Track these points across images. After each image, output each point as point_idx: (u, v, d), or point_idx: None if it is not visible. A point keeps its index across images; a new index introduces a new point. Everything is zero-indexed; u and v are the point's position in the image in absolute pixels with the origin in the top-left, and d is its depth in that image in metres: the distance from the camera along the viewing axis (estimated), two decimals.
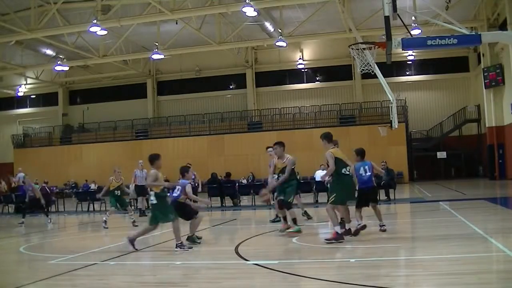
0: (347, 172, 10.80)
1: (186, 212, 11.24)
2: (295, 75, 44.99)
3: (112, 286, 7.76)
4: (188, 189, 11.26)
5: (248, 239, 11.85)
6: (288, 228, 12.08)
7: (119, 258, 9.87)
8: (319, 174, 22.32)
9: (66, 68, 37.75)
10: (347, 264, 8.48)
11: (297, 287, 7.27)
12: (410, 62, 43.32)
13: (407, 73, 43.73)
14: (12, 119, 48.43)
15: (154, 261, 9.78)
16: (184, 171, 11.66)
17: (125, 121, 44.18)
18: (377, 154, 33.12)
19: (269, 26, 34.99)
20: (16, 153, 43.51)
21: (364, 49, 17.01)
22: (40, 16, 29.88)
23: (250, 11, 27.39)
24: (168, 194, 11.27)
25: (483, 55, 35.46)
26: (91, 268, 9.07)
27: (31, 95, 48.43)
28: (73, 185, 35.92)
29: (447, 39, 12.43)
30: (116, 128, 43.79)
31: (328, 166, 10.91)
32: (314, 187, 22.53)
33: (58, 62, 35.11)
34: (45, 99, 48.41)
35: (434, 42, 12.51)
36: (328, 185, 12.13)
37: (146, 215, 19.66)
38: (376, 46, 14.30)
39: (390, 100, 22.49)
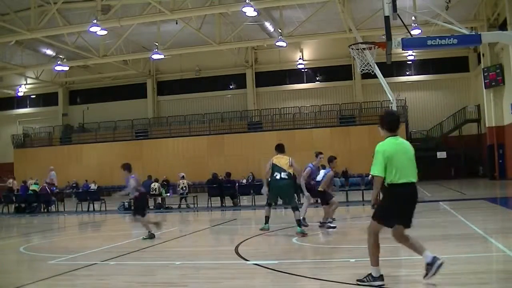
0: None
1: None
2: (295, 75, 45.00)
3: (112, 286, 7.76)
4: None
5: (248, 239, 11.85)
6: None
7: (119, 258, 9.87)
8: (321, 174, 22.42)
9: (66, 68, 37.77)
10: (347, 264, 8.48)
11: (297, 287, 7.27)
12: (410, 62, 43.33)
13: (407, 73, 43.75)
14: (12, 119, 48.43)
15: (154, 261, 9.78)
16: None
17: (125, 121, 44.20)
18: None
19: (269, 26, 35.00)
20: (16, 153, 43.50)
21: (364, 49, 17.03)
22: (40, 16, 29.89)
23: (250, 11, 27.40)
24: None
25: (483, 55, 35.46)
26: (91, 268, 9.07)
27: (31, 95, 48.43)
28: (74, 185, 35.88)
29: (447, 39, 12.45)
30: (116, 128, 43.80)
31: None
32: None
33: (58, 62, 35.09)
34: (45, 99, 48.42)
35: (434, 42, 12.53)
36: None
37: None
38: (376, 46, 14.32)
39: (390, 100, 22.51)
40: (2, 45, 32.74)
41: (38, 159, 40.40)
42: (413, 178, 6.66)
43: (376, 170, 6.59)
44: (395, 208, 6.63)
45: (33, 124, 46.64)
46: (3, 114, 48.88)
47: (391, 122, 6.83)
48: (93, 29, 27.75)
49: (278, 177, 12.23)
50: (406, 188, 6.59)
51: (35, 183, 28.98)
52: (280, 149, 12.73)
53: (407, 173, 6.61)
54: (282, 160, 12.36)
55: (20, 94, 46.48)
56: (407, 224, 6.70)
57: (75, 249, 11.38)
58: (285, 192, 12.41)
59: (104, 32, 29.24)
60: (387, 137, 6.77)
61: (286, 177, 12.22)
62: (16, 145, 44.39)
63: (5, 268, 9.95)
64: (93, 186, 34.23)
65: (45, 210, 26.01)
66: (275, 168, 12.30)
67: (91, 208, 25.08)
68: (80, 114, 46.18)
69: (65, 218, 22.72)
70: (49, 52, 36.59)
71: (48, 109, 47.69)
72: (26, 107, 49.23)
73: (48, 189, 27.72)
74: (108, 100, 46.28)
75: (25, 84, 46.27)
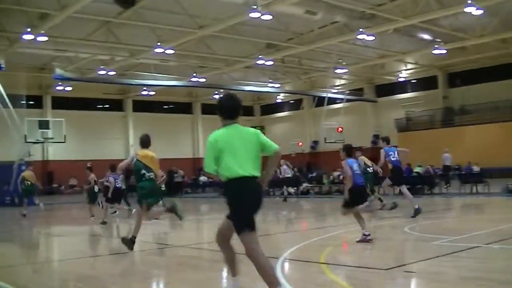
0: None
1: None
2: None
3: (492, 269, 7.71)
4: None
5: None
6: None
7: (502, 242, 9.68)
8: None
9: (444, 51, 37.76)
10: None
11: None
12: None
13: None
14: (394, 104, 50.34)
15: None
16: None
17: (507, 101, 42.08)
18: None
19: None
20: (400, 136, 45.11)
21: None
22: (414, 2, 30.44)
23: None
24: None
25: None
26: (473, 250, 9.11)
27: (412, 79, 49.67)
28: (456, 167, 35.75)
29: None
30: (497, 109, 42.01)
31: None
32: None
33: (436, 46, 35.36)
34: (425, 83, 49.06)
35: None
36: None
37: None
38: None
39: None
40: (382, 34, 34.23)
41: (420, 142, 41.27)
42: (247, 173, 5.67)
43: (205, 166, 5.83)
44: (242, 209, 5.71)
45: (414, 108, 47.81)
46: (386, 100, 51.14)
47: (223, 105, 6.02)
48: (468, 9, 27.21)
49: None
50: (243, 184, 5.67)
51: (418, 166, 29.95)
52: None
53: (238, 167, 5.69)
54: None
55: (401, 79, 48.20)
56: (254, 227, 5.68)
57: (458, 231, 11.51)
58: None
59: (480, 12, 28.38)
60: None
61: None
62: (399, 129, 46.12)
63: (390, 245, 10.65)
64: (475, 168, 33.64)
65: (429, 191, 26.63)
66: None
67: (474, 190, 24.85)
68: (460, 96, 45.69)
69: (448, 200, 22.97)
70: (426, 36, 37.08)
71: (428, 93, 48.22)
72: (407, 91, 50.64)
73: (432, 171, 28.40)
74: (487, 80, 44.68)
75: (405, 70, 47.75)
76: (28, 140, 32.91)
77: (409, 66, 46.69)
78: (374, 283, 7.04)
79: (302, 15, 27.08)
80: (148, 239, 13.63)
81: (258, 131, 6.06)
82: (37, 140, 33.69)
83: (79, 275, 8.27)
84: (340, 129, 43.76)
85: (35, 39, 26.79)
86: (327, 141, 42.77)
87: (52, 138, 34.05)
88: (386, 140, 15.89)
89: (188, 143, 52.82)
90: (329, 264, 8.28)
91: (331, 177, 32.79)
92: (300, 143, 50.06)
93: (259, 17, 24.43)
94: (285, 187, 28.58)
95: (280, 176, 29.00)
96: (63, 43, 30.94)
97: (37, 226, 19.01)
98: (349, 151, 11.00)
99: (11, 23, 27.07)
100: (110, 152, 44.20)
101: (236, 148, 5.75)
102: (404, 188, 15.80)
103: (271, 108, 57.38)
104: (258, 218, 5.64)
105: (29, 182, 23.02)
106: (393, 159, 15.48)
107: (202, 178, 43.07)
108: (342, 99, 46.46)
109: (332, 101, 46.99)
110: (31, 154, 32.98)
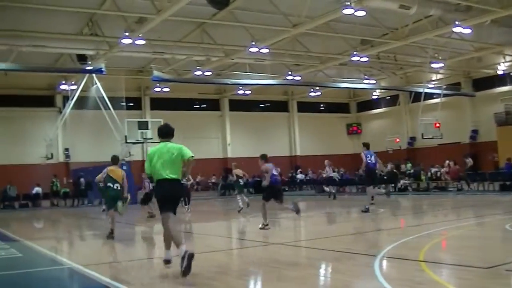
0: None
1: None
2: None
3: None
4: None
5: None
6: None
7: None
8: None
9: None
10: None
11: None
12: None
13: None
14: (493, 97, 48.63)
15: None
16: None
17: None
18: None
19: None
20: (499, 131, 43.62)
21: None
22: None
23: None
24: None
25: None
26: None
27: (511, 72, 47.79)
28: None
29: None
30: None
31: None
32: None
33: None
34: None
35: None
36: None
37: None
38: None
39: None
40: (478, 26, 33.24)
41: None
42: (166, 175, 8.51)
43: (145, 169, 8.97)
44: (159, 198, 8.70)
45: None
46: (484, 94, 49.47)
47: (160, 130, 9.08)
48: None
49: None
50: (162, 183, 8.55)
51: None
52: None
53: (162, 171, 8.53)
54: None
55: (500, 72, 46.38)
56: (169, 210, 8.51)
57: None
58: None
59: None
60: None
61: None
62: (498, 123, 44.47)
63: (491, 244, 10.45)
64: None
65: None
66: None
67: None
68: None
69: None
70: None
71: None
72: (506, 85, 48.75)
73: None
74: None
75: (503, 62, 45.94)
76: (128, 141, 34.28)
77: (508, 58, 44.86)
78: (475, 282, 6.98)
79: (396, 10, 26.66)
80: (244, 237, 14.05)
81: (182, 146, 8.83)
82: (137, 140, 34.84)
83: (176, 272, 8.55)
84: (437, 124, 42.72)
85: (133, 42, 27.71)
86: (424, 137, 41.91)
87: (151, 138, 35.09)
88: (366, 146, 18.07)
89: (285, 141, 52.77)
90: (428, 262, 8.25)
91: (429, 173, 32.22)
92: (397, 139, 49.19)
93: (353, 13, 24.33)
94: (329, 185, 29.63)
95: (324, 176, 30.99)
96: (160, 45, 31.83)
97: (134, 224, 19.82)
98: (265, 158, 14.41)
99: (111, 28, 28.21)
100: (208, 151, 45.14)
101: (163, 158, 8.55)
102: (371, 189, 17.98)
103: (367, 104, 56.35)
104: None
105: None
106: (369, 161, 17.45)
107: (299, 176, 43.32)
108: (439, 94, 45.32)
109: (429, 96, 45.87)
110: (132, 154, 34.34)
